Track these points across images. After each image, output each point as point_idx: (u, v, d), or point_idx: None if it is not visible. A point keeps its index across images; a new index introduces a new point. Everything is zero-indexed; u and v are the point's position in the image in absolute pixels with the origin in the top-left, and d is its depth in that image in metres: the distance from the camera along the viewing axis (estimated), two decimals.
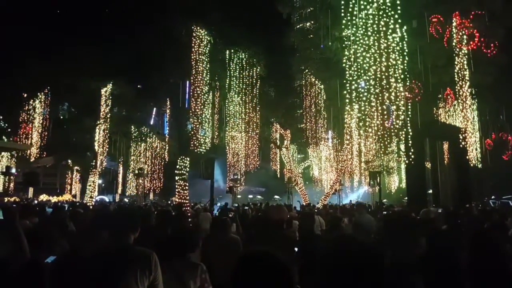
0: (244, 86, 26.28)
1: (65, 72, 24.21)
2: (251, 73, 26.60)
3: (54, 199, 31.83)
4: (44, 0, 27.90)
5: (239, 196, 31.20)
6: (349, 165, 27.28)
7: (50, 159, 33.33)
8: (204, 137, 22.30)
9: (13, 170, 24.74)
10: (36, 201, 26.39)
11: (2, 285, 3.32)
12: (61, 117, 32.68)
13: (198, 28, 21.57)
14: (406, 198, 22.62)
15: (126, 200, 34.93)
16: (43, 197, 33.12)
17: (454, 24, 19.14)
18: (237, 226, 8.79)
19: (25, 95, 27.33)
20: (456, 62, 19.61)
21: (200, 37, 21.64)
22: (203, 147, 21.88)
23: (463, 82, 19.77)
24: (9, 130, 26.23)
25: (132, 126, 32.09)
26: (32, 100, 27.51)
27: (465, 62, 19.63)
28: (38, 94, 27.17)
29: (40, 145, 28.65)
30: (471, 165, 21.62)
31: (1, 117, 24.61)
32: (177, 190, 21.55)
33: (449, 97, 22.20)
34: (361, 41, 15.25)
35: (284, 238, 4.53)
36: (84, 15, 25.81)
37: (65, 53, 23.39)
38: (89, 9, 25.55)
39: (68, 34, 24.37)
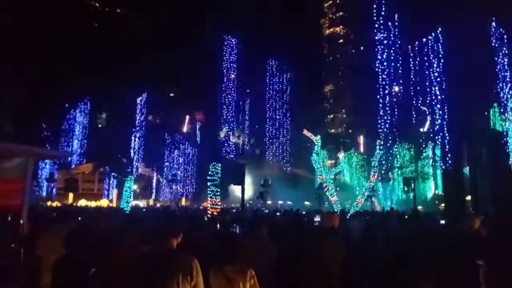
0: (274, 93, 26.46)
1: (104, 84, 25.39)
2: (281, 80, 26.73)
3: (92, 204, 33.12)
4: (83, 17, 29.40)
5: (269, 202, 31.14)
6: (382, 170, 26.66)
7: (88, 165, 34.83)
8: (235, 143, 22.61)
9: (56, 177, 26.02)
10: (74, 205, 27.50)
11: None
12: (99, 126, 34.10)
13: (229, 37, 22.03)
14: (443, 204, 21.81)
15: (158, 205, 35.70)
16: (82, 202, 34.55)
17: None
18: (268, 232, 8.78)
19: (67, 106, 28.90)
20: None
21: (231, 46, 22.08)
22: (234, 153, 22.18)
23: (503, 84, 18.92)
24: (52, 138, 27.67)
25: (166, 133, 32.99)
26: (72, 110, 29.06)
27: (506, 63, 18.79)
28: (79, 104, 28.68)
29: (79, 152, 30.11)
30: None
31: (45, 126, 26.05)
32: (209, 195, 21.86)
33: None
34: (396, 44, 15.04)
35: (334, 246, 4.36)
36: (118, 31, 26.97)
37: (103, 66, 24.56)
38: (123, 27, 26.66)
39: (105, 48, 25.57)
